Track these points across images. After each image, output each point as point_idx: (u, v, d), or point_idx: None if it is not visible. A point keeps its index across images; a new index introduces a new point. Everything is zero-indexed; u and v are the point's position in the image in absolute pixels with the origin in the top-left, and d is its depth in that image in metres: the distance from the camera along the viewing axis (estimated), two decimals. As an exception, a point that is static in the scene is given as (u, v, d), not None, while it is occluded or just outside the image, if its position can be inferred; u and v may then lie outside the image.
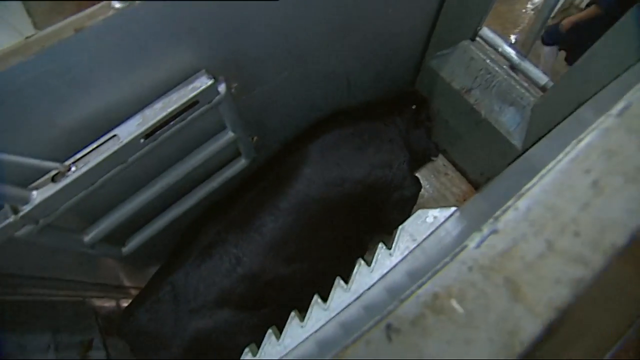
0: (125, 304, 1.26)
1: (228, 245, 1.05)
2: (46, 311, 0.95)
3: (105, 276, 1.16)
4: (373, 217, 1.29)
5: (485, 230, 0.28)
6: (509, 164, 1.41)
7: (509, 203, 0.29)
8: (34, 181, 0.69)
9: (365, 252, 1.39)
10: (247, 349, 0.76)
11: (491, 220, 0.29)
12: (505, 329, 0.24)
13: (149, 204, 0.94)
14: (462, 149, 1.62)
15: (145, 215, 1.02)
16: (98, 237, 0.88)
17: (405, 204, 1.36)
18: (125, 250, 1.01)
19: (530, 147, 1.28)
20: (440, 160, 1.70)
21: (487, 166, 1.56)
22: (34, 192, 0.68)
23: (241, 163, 1.10)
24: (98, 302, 1.16)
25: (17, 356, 0.80)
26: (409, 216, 0.76)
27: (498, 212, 0.29)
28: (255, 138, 1.09)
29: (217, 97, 0.82)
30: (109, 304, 1.21)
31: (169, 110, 0.74)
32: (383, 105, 1.41)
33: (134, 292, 1.31)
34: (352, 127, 1.24)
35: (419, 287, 0.28)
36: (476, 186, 1.63)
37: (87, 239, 0.87)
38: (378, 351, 0.26)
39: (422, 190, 1.66)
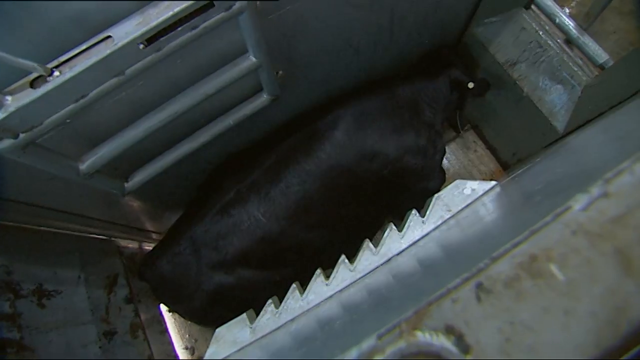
0: (147, 247, 1.30)
1: (249, 205, 1.03)
2: (76, 245, 0.98)
3: (129, 218, 1.18)
4: (392, 200, 1.24)
5: (594, 191, 0.25)
6: (546, 147, 1.34)
7: (624, 165, 0.25)
8: (9, 85, 0.57)
9: (375, 233, 1.35)
10: (269, 301, 0.77)
11: (601, 181, 0.25)
12: (612, 304, 0.22)
13: (155, 133, 0.82)
14: (496, 126, 1.55)
15: (151, 148, 0.91)
16: (95, 166, 0.77)
17: (425, 197, 1.31)
18: (128, 185, 0.91)
19: (573, 131, 1.21)
20: (470, 136, 1.63)
21: (521, 147, 1.49)
22: (8, 97, 0.56)
23: (262, 99, 0.95)
24: (122, 243, 1.19)
25: (52, 281, 0.83)
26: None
27: (609, 174, 0.25)
28: (280, 72, 0.93)
29: (238, 4, 0.65)
30: (132, 245, 1.24)
31: (176, 10, 0.59)
32: (423, 70, 1.30)
33: (155, 236, 1.34)
34: (392, 101, 1.15)
35: (514, 246, 0.25)
36: (505, 167, 1.57)
37: (83, 166, 0.76)
38: (465, 311, 0.24)
39: (448, 164, 1.61)
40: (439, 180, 1.29)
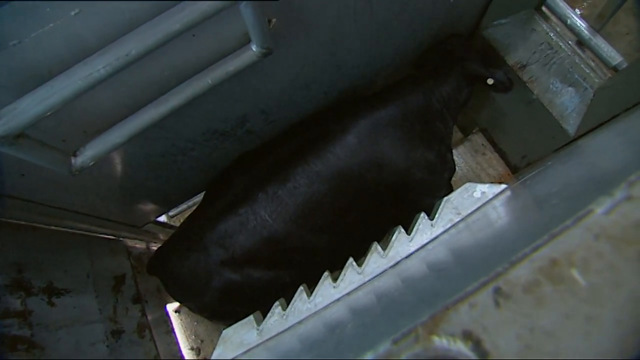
0: (154, 247, 1.31)
1: (256, 204, 1.02)
2: (86, 244, 0.99)
3: (137, 220, 1.18)
4: (398, 212, 1.22)
5: (618, 194, 0.24)
6: (556, 151, 1.33)
7: (650, 169, 0.24)
8: None
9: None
10: (277, 303, 0.77)
11: (624, 184, 0.24)
12: (637, 311, 0.21)
13: (107, 91, 0.65)
14: (505, 129, 1.53)
15: (107, 112, 0.73)
16: (13, 129, 0.57)
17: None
18: (77, 161, 0.71)
19: (584, 135, 1.19)
20: (479, 139, 1.62)
21: (531, 150, 1.47)
22: None
23: (250, 53, 0.74)
24: (130, 243, 1.20)
25: (62, 279, 0.84)
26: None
27: (633, 177, 0.24)
28: (274, 21, 0.75)
29: None
30: (140, 245, 1.25)
31: None
32: (435, 67, 1.25)
33: (162, 237, 1.35)
34: (403, 110, 1.13)
35: (534, 250, 0.24)
36: (514, 170, 1.56)
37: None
38: (483, 316, 0.23)
39: (456, 168, 1.60)
40: None
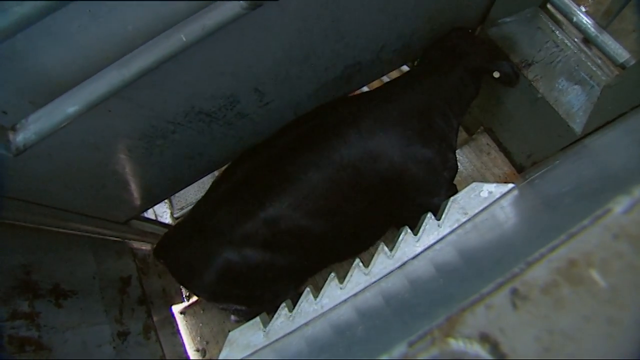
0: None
1: (254, 189, 1.06)
2: (92, 246, 1.00)
3: (117, 215, 1.17)
4: (394, 208, 1.21)
5: (637, 193, 0.24)
6: (562, 149, 1.32)
7: (670, 167, 0.24)
8: None
9: (379, 238, 1.32)
10: (283, 304, 0.76)
11: (645, 185, 0.24)
12: (660, 312, 0.20)
13: (53, 44, 0.52)
14: (511, 129, 1.52)
15: (52, 73, 0.58)
16: None
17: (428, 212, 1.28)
18: (16, 138, 0.56)
19: (591, 133, 1.18)
20: (483, 139, 1.61)
21: (536, 149, 1.46)
22: None
23: (233, 4, 0.60)
24: (135, 245, 1.20)
25: (68, 281, 0.84)
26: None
27: (654, 177, 0.24)
28: None
29: None
30: (145, 247, 1.25)
31: None
32: (437, 65, 1.23)
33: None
34: (404, 106, 1.13)
35: (551, 250, 0.24)
36: (520, 170, 1.54)
37: None
38: (500, 318, 0.23)
39: (461, 167, 1.59)
40: (446, 198, 1.24)
